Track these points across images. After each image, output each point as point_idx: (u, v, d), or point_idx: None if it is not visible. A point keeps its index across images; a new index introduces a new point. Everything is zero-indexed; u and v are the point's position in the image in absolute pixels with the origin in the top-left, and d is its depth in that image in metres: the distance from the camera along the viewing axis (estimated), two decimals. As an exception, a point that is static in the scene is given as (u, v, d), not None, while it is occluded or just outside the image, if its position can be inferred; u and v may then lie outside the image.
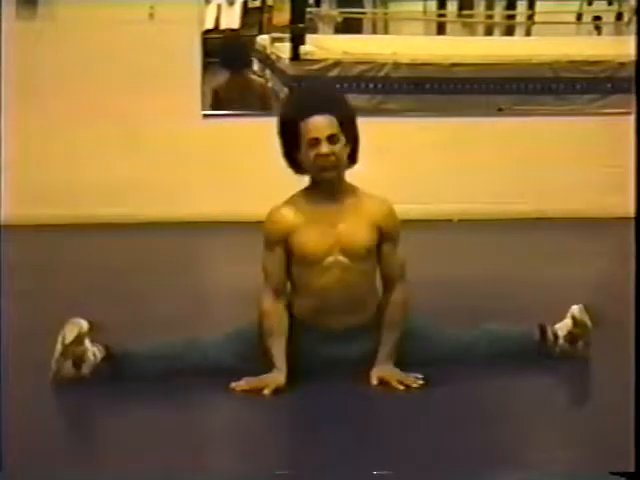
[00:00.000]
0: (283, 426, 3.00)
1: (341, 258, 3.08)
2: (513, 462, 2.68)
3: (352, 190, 3.14)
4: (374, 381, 3.11)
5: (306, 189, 3.14)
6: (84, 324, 3.09)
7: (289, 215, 3.10)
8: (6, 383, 3.11)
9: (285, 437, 2.94)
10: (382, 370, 3.13)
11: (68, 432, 2.98)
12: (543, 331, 3.33)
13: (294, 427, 2.99)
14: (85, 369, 3.08)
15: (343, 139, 3.06)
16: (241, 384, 3.05)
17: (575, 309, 3.33)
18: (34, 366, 3.17)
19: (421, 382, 3.07)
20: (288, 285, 3.18)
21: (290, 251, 3.10)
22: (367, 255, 3.10)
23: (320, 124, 3.02)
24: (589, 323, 3.31)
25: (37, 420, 2.90)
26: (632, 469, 2.33)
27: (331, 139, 3.02)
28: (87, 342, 3.08)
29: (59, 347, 3.07)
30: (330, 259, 3.08)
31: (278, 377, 3.05)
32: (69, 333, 3.06)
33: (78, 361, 3.07)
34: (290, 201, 3.14)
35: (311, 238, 3.08)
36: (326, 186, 3.10)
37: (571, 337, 3.31)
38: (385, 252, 3.13)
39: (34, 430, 2.83)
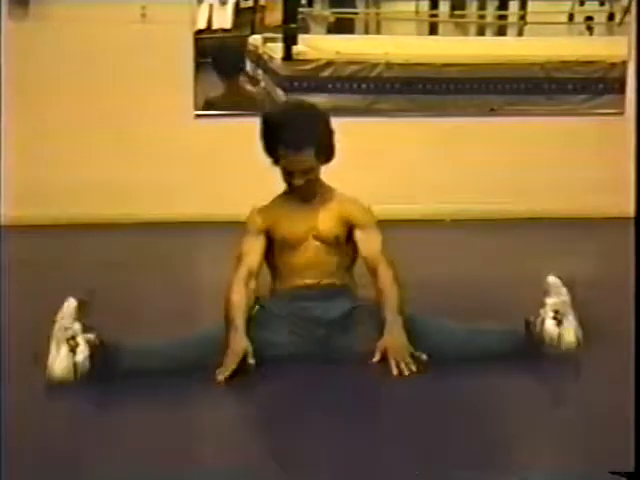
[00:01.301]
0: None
1: (315, 242, 3.39)
2: (512, 462, 2.68)
3: (327, 191, 3.46)
4: (377, 356, 3.18)
5: (284, 193, 3.46)
6: (72, 300, 3.17)
7: (270, 211, 3.45)
8: (6, 383, 3.12)
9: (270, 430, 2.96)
10: (390, 340, 3.20)
11: (67, 432, 2.98)
12: (528, 324, 3.34)
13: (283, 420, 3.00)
14: (79, 355, 3.09)
15: (318, 163, 3.36)
16: (223, 374, 3.11)
17: (550, 279, 3.39)
18: (34, 366, 3.17)
19: (414, 369, 3.14)
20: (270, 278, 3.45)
21: (272, 239, 3.41)
22: (336, 242, 3.40)
23: (295, 161, 3.31)
24: (564, 289, 3.35)
25: (36, 420, 2.91)
26: (632, 469, 2.34)
27: (305, 171, 3.33)
28: (77, 323, 3.13)
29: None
30: (306, 243, 3.38)
31: (240, 342, 3.16)
32: (59, 311, 3.15)
33: (72, 343, 3.09)
34: (270, 202, 3.48)
35: (289, 227, 3.40)
36: (301, 191, 3.40)
37: (556, 314, 3.31)
38: (358, 238, 3.40)
39: (33, 430, 2.83)
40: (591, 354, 3.33)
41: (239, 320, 3.22)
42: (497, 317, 3.57)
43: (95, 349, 3.13)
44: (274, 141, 3.33)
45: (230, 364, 3.13)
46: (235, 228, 3.57)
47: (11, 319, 3.77)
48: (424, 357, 3.19)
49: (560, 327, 3.29)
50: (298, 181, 3.34)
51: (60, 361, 3.10)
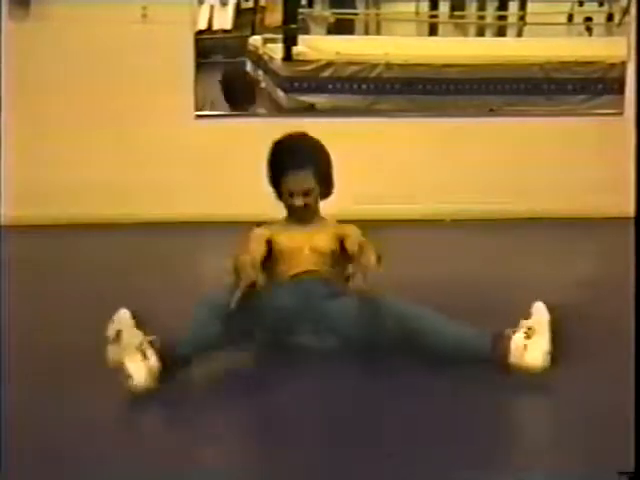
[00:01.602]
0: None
1: (312, 254, 3.55)
2: (512, 462, 2.69)
3: (323, 219, 3.68)
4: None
5: (283, 219, 3.66)
6: (125, 310, 3.26)
7: (271, 227, 3.63)
8: (6, 383, 3.12)
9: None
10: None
11: (69, 433, 2.98)
12: (497, 339, 3.30)
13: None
14: (151, 359, 3.11)
15: (317, 188, 3.59)
16: (235, 298, 3.19)
17: (536, 304, 3.36)
18: (34, 366, 3.17)
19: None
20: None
21: (272, 250, 3.56)
22: (331, 255, 3.57)
23: (296, 180, 3.54)
24: (546, 311, 3.31)
25: (36, 421, 2.91)
26: (632, 469, 2.34)
27: (306, 193, 3.56)
28: (136, 330, 3.18)
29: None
30: (303, 254, 3.54)
31: (249, 275, 3.24)
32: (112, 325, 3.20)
33: (142, 349, 3.11)
34: (272, 222, 3.66)
35: (288, 241, 3.57)
36: (300, 214, 3.61)
37: (527, 330, 3.27)
38: (347, 243, 3.54)
39: (33, 431, 2.83)
40: (591, 354, 3.33)
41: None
42: (497, 317, 3.56)
43: (159, 351, 3.15)
44: (278, 169, 3.57)
45: (245, 284, 3.21)
46: (236, 228, 3.59)
47: (11, 319, 3.77)
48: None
49: (527, 341, 3.23)
50: (298, 201, 3.55)
51: (139, 370, 3.08)
